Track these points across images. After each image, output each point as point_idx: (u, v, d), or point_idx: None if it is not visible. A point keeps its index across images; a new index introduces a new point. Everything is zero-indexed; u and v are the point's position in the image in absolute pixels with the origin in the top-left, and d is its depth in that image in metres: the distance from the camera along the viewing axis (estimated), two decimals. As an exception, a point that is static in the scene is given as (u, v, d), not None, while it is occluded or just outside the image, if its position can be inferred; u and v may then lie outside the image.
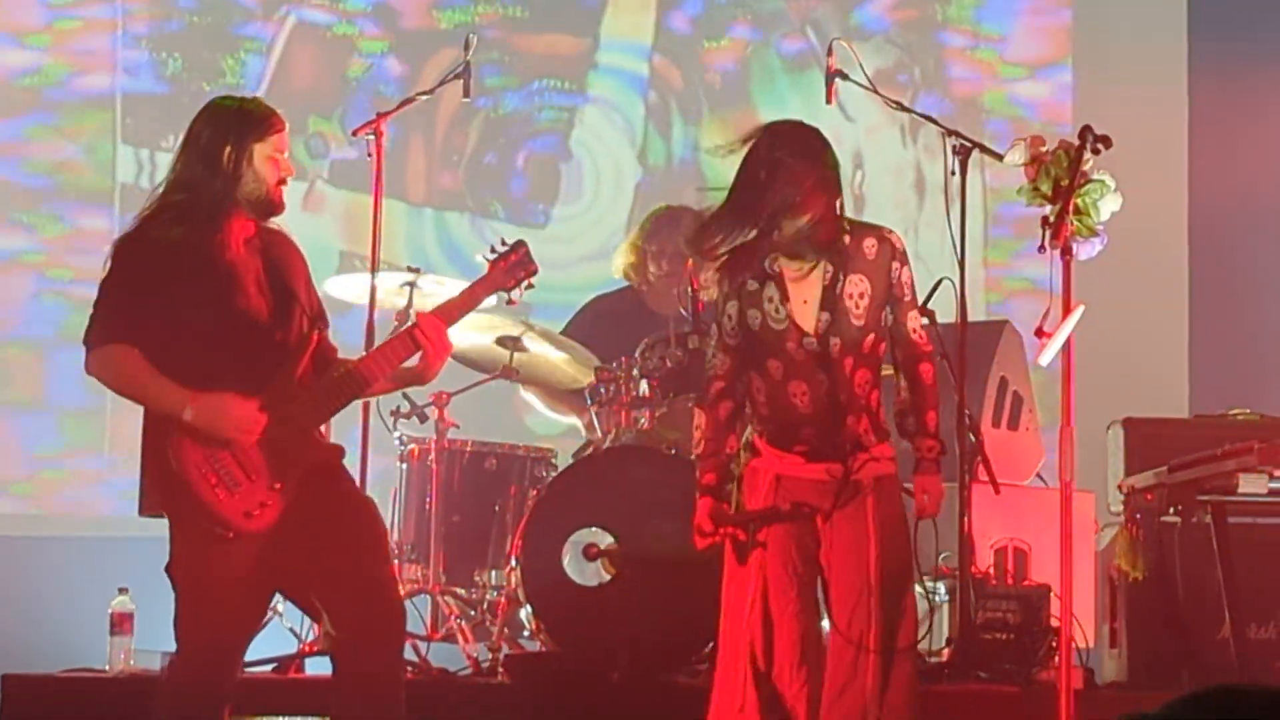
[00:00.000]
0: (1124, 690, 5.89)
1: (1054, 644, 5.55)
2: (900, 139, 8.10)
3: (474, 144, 8.06)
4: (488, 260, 4.89)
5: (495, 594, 6.16)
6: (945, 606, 5.84)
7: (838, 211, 4.56)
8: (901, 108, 6.22)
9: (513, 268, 4.89)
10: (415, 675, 5.72)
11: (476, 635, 6.11)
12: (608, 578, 5.80)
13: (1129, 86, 7.99)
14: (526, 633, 6.06)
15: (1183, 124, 8.12)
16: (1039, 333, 4.61)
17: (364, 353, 4.80)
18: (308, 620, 5.57)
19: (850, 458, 4.54)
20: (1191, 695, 2.23)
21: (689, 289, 6.21)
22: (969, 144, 5.74)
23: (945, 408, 5.65)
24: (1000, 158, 5.11)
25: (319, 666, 4.91)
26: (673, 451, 5.92)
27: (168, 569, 4.48)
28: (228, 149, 4.51)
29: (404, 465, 6.32)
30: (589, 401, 6.33)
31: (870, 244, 4.60)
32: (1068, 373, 4.68)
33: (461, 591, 6.23)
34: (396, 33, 8.05)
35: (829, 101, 5.93)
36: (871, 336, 4.58)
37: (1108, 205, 4.65)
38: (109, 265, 4.52)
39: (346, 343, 4.91)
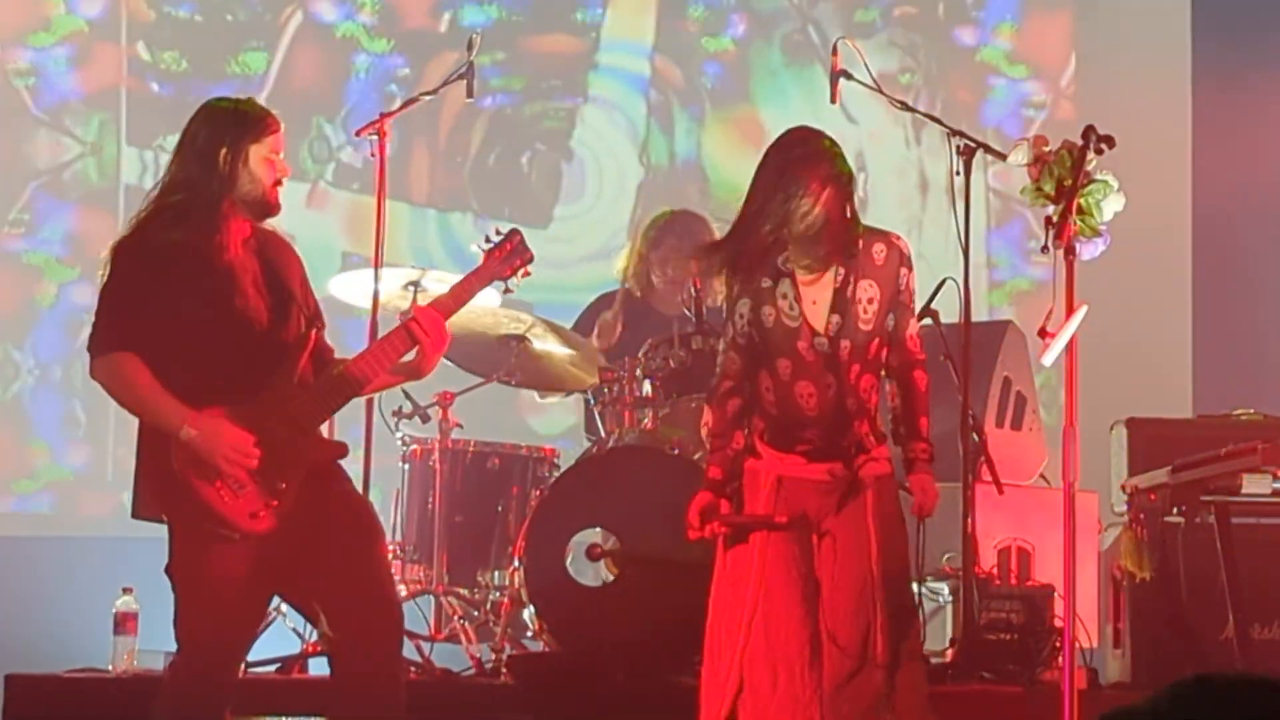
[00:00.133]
0: (1128, 690, 5.89)
1: (1057, 644, 5.55)
2: (904, 139, 8.10)
3: (477, 144, 8.06)
4: (482, 250, 4.87)
5: (498, 594, 6.16)
6: (949, 607, 5.84)
7: (849, 216, 4.57)
8: (905, 107, 6.21)
9: (508, 256, 4.87)
10: (418, 676, 5.73)
11: (479, 636, 6.11)
12: (610, 578, 5.80)
13: (1132, 86, 7.99)
14: (529, 633, 6.06)
15: (1186, 124, 8.11)
16: (1042, 333, 4.61)
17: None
18: (310, 621, 5.57)
19: (852, 460, 4.56)
20: (1169, 689, 2.23)
21: (693, 290, 6.21)
22: (972, 144, 5.73)
23: (949, 408, 5.66)
24: (1004, 158, 5.11)
25: (322, 667, 4.91)
26: (675, 452, 5.91)
27: (167, 569, 4.49)
28: (224, 150, 4.51)
29: (407, 466, 6.32)
30: (592, 402, 6.33)
31: (880, 249, 4.62)
32: (1071, 373, 4.68)
33: (464, 592, 6.22)
34: (400, 33, 8.05)
35: (833, 101, 5.92)
36: (876, 341, 4.60)
37: (1111, 205, 4.64)
38: (108, 270, 4.51)
39: (350, 344, 4.91)
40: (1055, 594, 5.69)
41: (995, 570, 6.01)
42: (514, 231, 4.90)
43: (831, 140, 4.59)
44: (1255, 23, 8.14)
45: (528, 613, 5.95)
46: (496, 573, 6.22)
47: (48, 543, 7.68)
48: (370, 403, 5.89)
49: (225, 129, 4.54)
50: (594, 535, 5.86)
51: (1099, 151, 4.60)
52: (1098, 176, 4.63)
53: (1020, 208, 7.91)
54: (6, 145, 7.90)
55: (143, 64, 7.93)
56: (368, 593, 4.48)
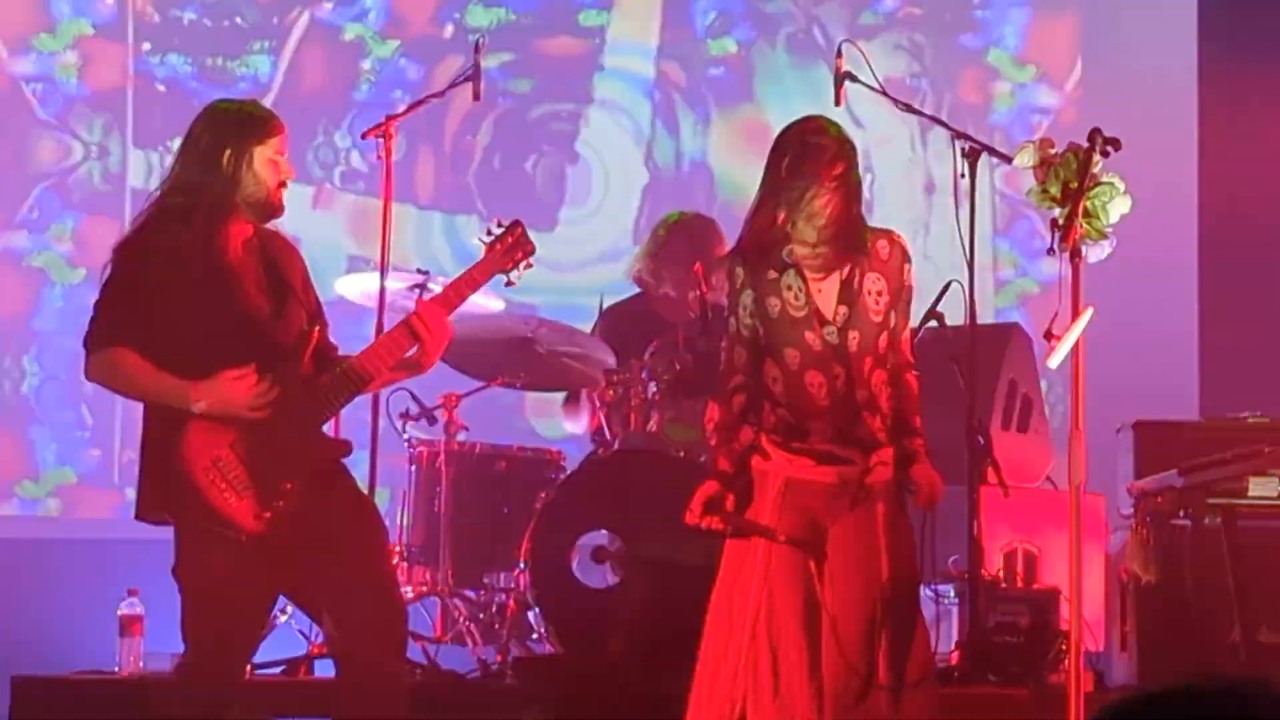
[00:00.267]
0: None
1: (1064, 647, 5.54)
2: (910, 141, 8.10)
3: (483, 147, 8.06)
4: (484, 243, 4.85)
5: (504, 596, 6.16)
6: (955, 610, 5.84)
7: (857, 213, 4.57)
8: (910, 109, 6.21)
9: (510, 249, 4.83)
10: (424, 677, 5.73)
11: (485, 638, 6.11)
12: (616, 580, 5.80)
13: (1138, 89, 7.98)
14: (535, 635, 6.06)
15: (1192, 126, 8.10)
16: (1048, 335, 4.60)
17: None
18: (316, 622, 5.57)
19: (864, 456, 4.53)
20: (1156, 691, 2.21)
21: (698, 291, 6.20)
22: (978, 146, 5.73)
23: (954, 411, 5.65)
24: (1009, 160, 5.10)
25: (328, 669, 4.91)
26: (681, 454, 5.91)
27: (173, 571, 4.49)
28: (227, 152, 4.51)
29: (413, 467, 6.32)
30: (597, 405, 6.32)
31: (883, 245, 4.63)
32: (1077, 375, 4.67)
33: (470, 594, 6.23)
34: (407, 37, 8.04)
35: (838, 104, 5.92)
36: (885, 335, 4.58)
37: (1117, 208, 4.63)
38: (109, 270, 4.52)
39: (355, 345, 4.90)
40: (1061, 597, 5.69)
41: (1001, 573, 6.00)
42: (515, 223, 4.86)
43: (846, 136, 4.60)
44: (1261, 25, 8.13)
45: (533, 615, 5.95)
46: (502, 574, 6.22)
47: (54, 545, 7.68)
48: (376, 405, 5.90)
49: (228, 131, 4.54)
50: (599, 538, 5.86)
51: (1105, 154, 4.59)
52: (1104, 179, 4.62)
53: (1026, 210, 7.90)
54: (13, 147, 7.90)
55: (149, 67, 7.93)
56: (371, 594, 4.48)
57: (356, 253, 7.75)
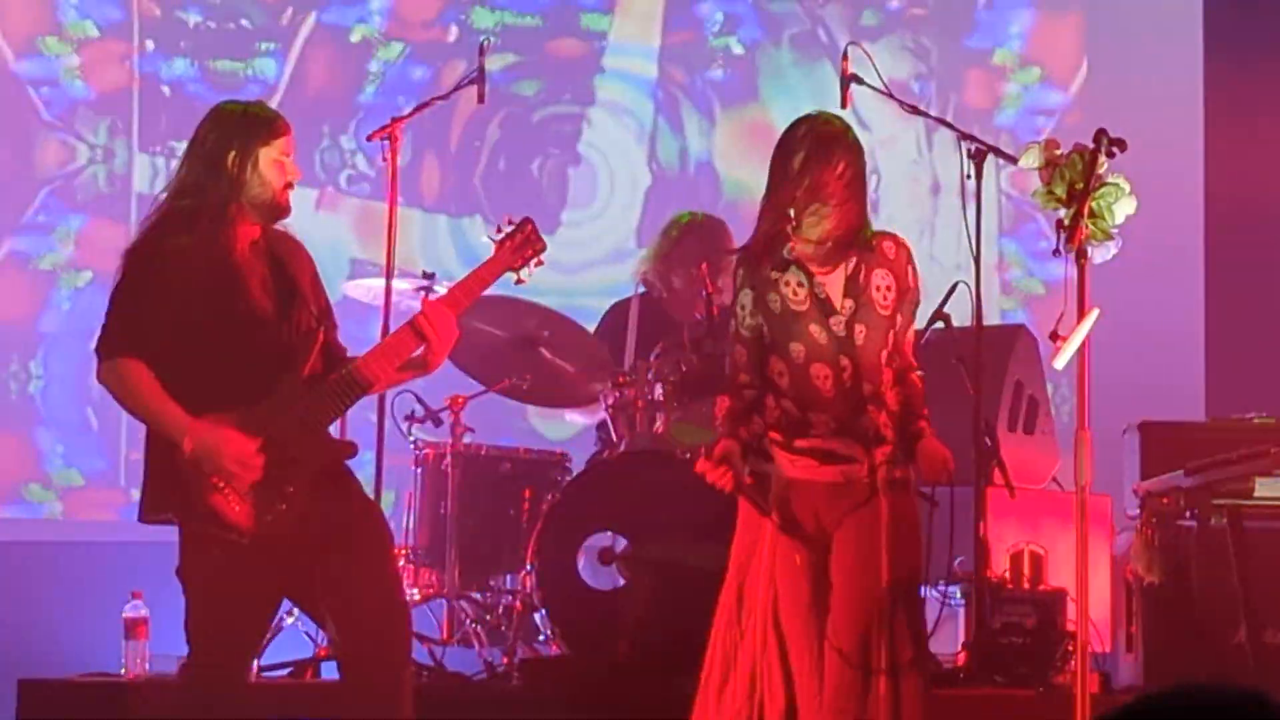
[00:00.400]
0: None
1: (1070, 648, 5.54)
2: (914, 142, 8.10)
3: (488, 149, 8.06)
4: (494, 241, 4.83)
5: (510, 598, 6.16)
6: (961, 611, 5.84)
7: (862, 209, 4.57)
8: (916, 111, 6.21)
9: (520, 246, 4.80)
10: (430, 679, 5.73)
11: (491, 639, 6.11)
12: (622, 582, 5.80)
13: (1144, 89, 7.98)
14: (541, 637, 6.06)
15: (1198, 127, 8.10)
16: (1054, 336, 4.60)
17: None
18: (322, 625, 5.57)
19: (869, 452, 4.52)
20: (1151, 695, 2.21)
21: (704, 292, 6.20)
22: (984, 148, 5.73)
23: (961, 412, 5.65)
24: (1015, 161, 5.10)
25: (334, 671, 4.92)
26: (687, 456, 5.91)
27: (177, 573, 4.49)
28: (232, 153, 4.50)
29: (419, 469, 6.32)
30: (604, 406, 6.32)
31: (889, 246, 4.64)
32: (1083, 376, 4.67)
33: (476, 596, 6.23)
34: (412, 39, 8.05)
35: (844, 105, 5.91)
36: (893, 332, 4.58)
37: (1123, 209, 4.63)
38: (120, 275, 4.51)
39: (360, 349, 4.90)
40: (1068, 598, 5.69)
41: (1008, 574, 6.00)
42: (526, 221, 4.83)
43: (853, 133, 4.60)
44: (1267, 25, 8.13)
45: (539, 617, 5.95)
46: (508, 576, 6.22)
47: (60, 547, 7.68)
48: (382, 406, 5.90)
49: (234, 132, 4.53)
50: (606, 539, 5.86)
51: (1110, 155, 4.59)
52: (1109, 180, 4.62)
53: (1032, 211, 7.90)
54: (18, 150, 7.91)
55: (154, 69, 7.94)
56: (375, 596, 4.47)
57: (361, 256, 7.75)
